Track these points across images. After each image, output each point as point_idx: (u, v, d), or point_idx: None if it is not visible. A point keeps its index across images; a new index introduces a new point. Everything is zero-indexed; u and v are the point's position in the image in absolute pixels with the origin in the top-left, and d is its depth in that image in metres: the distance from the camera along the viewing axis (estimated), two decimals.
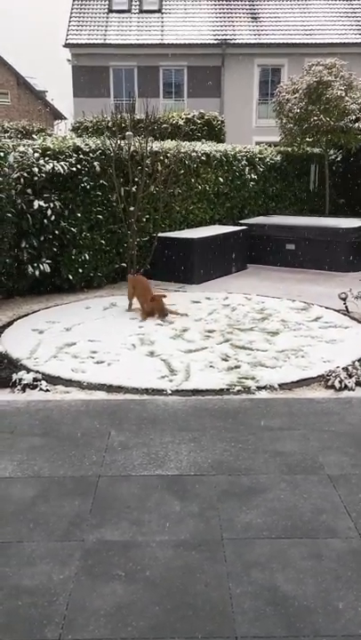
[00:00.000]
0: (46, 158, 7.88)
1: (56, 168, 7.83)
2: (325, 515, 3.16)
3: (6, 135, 10.19)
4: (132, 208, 8.54)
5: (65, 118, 36.03)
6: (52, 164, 7.82)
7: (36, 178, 7.68)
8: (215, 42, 25.07)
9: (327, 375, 5.03)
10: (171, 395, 4.77)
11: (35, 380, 4.89)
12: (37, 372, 5.12)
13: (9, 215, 7.29)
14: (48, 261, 7.93)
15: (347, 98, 12.94)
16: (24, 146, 7.93)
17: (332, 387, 4.91)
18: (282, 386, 4.95)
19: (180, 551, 2.87)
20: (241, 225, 11.08)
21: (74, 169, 8.10)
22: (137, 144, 8.90)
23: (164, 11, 26.37)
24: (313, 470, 3.62)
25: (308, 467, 3.66)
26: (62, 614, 2.47)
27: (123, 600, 2.56)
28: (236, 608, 2.51)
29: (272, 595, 2.59)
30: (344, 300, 7.37)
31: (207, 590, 2.62)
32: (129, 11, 26.34)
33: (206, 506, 3.24)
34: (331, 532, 3.02)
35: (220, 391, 4.83)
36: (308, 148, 14.10)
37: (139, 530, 3.03)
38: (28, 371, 5.09)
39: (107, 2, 26.50)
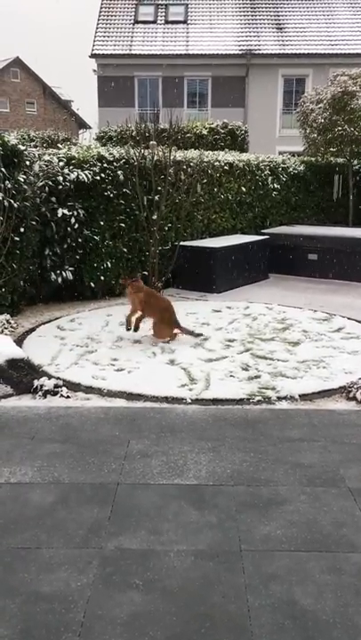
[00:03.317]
0: (71, 167, 7.97)
1: (80, 177, 7.92)
2: (346, 528, 3.12)
3: (32, 144, 10.33)
4: (154, 216, 8.59)
5: (90, 127, 36.51)
6: (76, 173, 7.91)
7: (60, 186, 7.78)
8: (240, 52, 25.17)
9: (349, 387, 4.98)
10: (190, 403, 4.77)
11: (56, 386, 4.93)
12: (58, 378, 5.15)
13: (33, 223, 7.39)
14: (71, 269, 8.01)
15: None
16: (49, 155, 8.04)
17: (354, 398, 4.85)
18: (302, 396, 4.91)
19: (198, 561, 2.86)
20: (263, 234, 11.05)
21: (98, 178, 8.18)
22: (160, 153, 8.96)
23: (189, 22, 26.57)
24: (334, 483, 3.58)
25: (328, 479, 3.62)
26: (80, 622, 2.47)
27: (140, 609, 2.55)
28: (253, 621, 2.48)
29: (291, 608, 2.56)
30: None
31: (225, 602, 2.60)
32: (154, 22, 26.61)
33: (225, 516, 3.22)
34: (351, 547, 2.97)
35: (240, 401, 4.81)
36: (331, 158, 14.05)
37: (157, 539, 3.02)
38: (50, 377, 5.13)
39: (133, 13, 26.82)
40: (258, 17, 26.82)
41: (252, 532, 3.08)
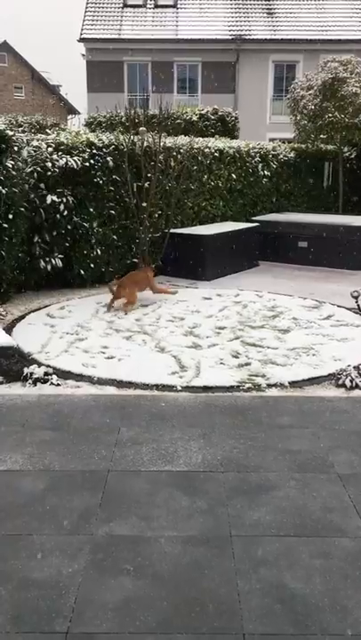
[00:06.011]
0: (60, 153, 7.89)
1: (69, 163, 7.84)
2: (334, 513, 3.15)
3: (20, 129, 10.20)
4: (144, 204, 8.55)
5: (79, 113, 36.11)
6: (65, 159, 7.83)
7: (49, 172, 7.71)
8: (230, 37, 24.95)
9: (338, 374, 5.01)
10: (181, 391, 4.78)
11: (46, 374, 4.92)
12: (48, 366, 5.15)
13: (22, 210, 7.32)
14: (60, 256, 7.96)
15: None
16: (38, 140, 7.95)
17: (343, 385, 4.89)
18: (292, 384, 4.94)
19: (189, 547, 2.88)
20: (253, 222, 11.04)
21: (87, 164, 8.11)
22: (150, 139, 8.89)
23: (179, 6, 26.27)
24: (323, 469, 3.61)
25: (317, 465, 3.65)
26: (71, 607, 2.49)
27: (131, 594, 2.57)
28: (243, 605, 2.51)
29: (280, 592, 2.59)
30: (356, 298, 7.33)
31: (215, 587, 2.62)
32: (144, 6, 26.28)
33: (215, 502, 3.24)
34: (340, 531, 3.01)
35: (231, 388, 4.83)
36: (322, 145, 14.02)
37: (148, 525, 3.04)
38: (40, 365, 5.12)
39: None
40: (248, 1, 26.56)
41: (241, 518, 3.10)
